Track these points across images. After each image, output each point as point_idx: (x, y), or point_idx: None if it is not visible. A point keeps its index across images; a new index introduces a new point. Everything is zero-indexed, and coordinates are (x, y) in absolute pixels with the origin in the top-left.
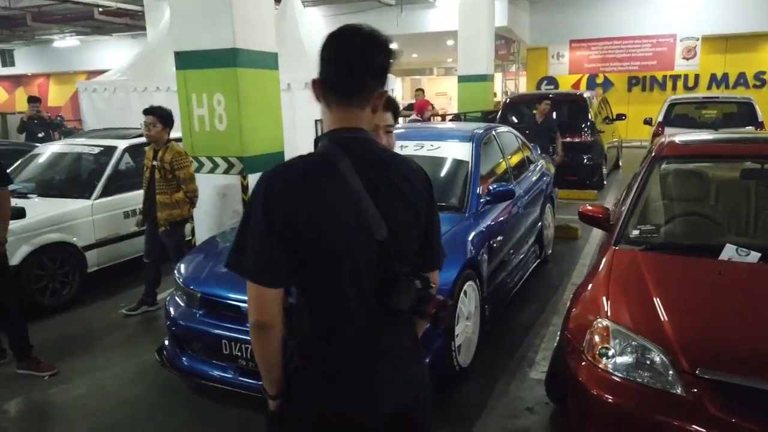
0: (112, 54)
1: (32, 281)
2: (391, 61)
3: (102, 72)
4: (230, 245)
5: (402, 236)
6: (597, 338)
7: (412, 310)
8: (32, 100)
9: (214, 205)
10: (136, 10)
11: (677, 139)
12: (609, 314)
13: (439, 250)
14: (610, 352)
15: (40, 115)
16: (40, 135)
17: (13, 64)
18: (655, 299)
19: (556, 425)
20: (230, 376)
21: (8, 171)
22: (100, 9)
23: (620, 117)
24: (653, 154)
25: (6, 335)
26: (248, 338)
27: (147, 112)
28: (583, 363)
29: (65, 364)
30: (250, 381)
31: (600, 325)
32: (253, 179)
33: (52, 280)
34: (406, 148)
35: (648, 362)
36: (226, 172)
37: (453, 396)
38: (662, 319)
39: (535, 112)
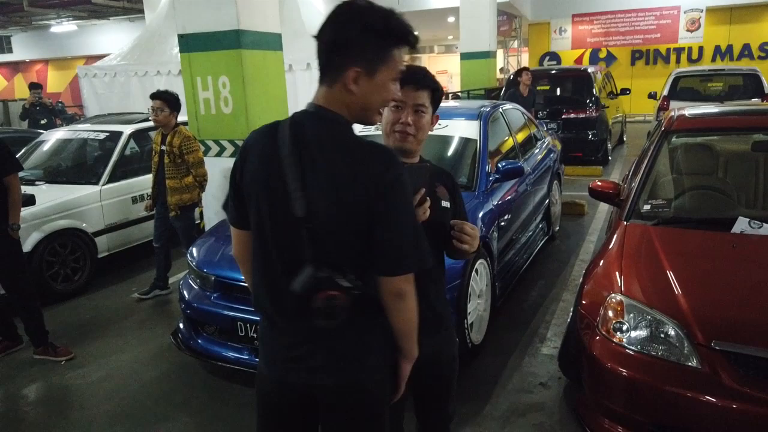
0: (111, 38)
1: (44, 268)
2: (359, 33)
3: (101, 57)
4: None
5: (321, 220)
6: (611, 313)
7: (304, 295)
8: (34, 86)
9: (222, 188)
10: None
11: (687, 112)
12: (622, 289)
13: (387, 255)
14: (624, 327)
15: (42, 102)
16: (42, 122)
17: (10, 50)
18: (668, 273)
19: (570, 399)
20: (246, 357)
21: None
22: None
23: (624, 92)
24: (663, 128)
25: (21, 321)
26: None
27: (154, 96)
28: (597, 338)
29: (81, 349)
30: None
31: (614, 300)
32: None
33: (64, 267)
34: None
35: (663, 335)
36: (233, 155)
37: (466, 373)
38: (676, 292)
39: (541, 87)
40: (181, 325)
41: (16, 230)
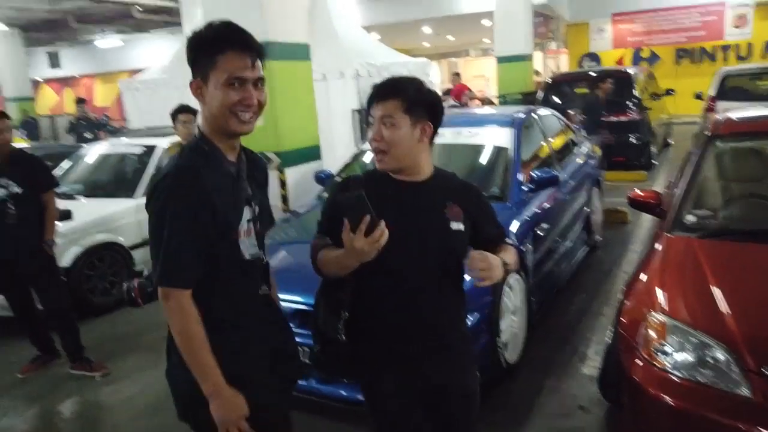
0: (153, 51)
1: (83, 281)
2: (189, 50)
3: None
4: None
5: None
6: (652, 334)
7: None
8: (79, 101)
9: None
10: (173, 7)
11: (734, 115)
12: (665, 308)
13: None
14: (667, 349)
15: (87, 116)
16: (88, 136)
17: (59, 66)
18: (714, 290)
19: (611, 425)
20: None
21: (57, 173)
22: (139, 8)
23: (669, 92)
24: (709, 132)
25: (58, 336)
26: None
27: (183, 110)
28: (638, 361)
29: (116, 364)
30: (303, 383)
31: (655, 319)
32: (290, 173)
33: (102, 280)
34: (442, 136)
35: (710, 360)
36: None
37: (500, 393)
38: (724, 312)
39: (580, 91)
40: None
41: (51, 246)
